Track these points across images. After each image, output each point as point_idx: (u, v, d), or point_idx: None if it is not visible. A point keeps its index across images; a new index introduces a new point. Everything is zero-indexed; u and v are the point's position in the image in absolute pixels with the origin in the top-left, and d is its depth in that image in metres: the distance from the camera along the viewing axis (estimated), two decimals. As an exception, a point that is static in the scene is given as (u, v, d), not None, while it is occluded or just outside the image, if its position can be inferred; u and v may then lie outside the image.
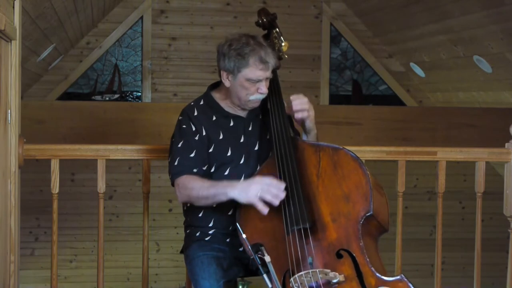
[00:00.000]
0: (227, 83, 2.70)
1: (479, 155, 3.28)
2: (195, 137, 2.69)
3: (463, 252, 6.09)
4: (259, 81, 2.65)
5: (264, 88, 2.66)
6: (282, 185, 2.46)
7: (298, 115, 2.73)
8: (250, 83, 2.65)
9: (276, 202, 2.45)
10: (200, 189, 2.58)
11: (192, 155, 2.67)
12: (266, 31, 2.95)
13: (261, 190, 2.45)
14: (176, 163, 2.67)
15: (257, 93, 2.67)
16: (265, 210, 2.44)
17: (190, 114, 2.74)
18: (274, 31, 2.93)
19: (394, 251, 3.25)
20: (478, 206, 3.28)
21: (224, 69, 2.69)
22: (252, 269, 2.77)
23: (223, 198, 2.53)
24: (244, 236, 2.37)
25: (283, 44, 2.88)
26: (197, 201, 2.62)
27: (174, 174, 2.67)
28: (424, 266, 5.86)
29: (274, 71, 2.84)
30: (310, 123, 2.77)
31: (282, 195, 2.45)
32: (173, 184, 2.69)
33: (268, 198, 2.44)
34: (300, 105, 2.72)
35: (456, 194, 6.30)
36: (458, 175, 6.24)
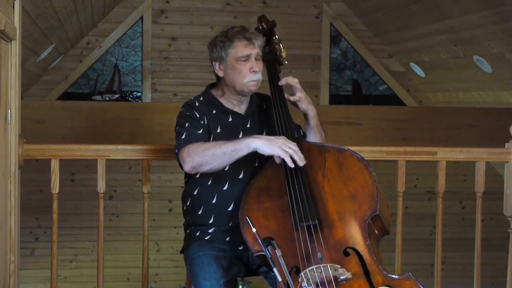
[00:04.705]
0: (220, 73, 2.73)
1: (479, 155, 3.28)
2: (200, 121, 2.71)
3: (463, 252, 6.09)
4: (247, 59, 2.67)
5: (256, 67, 2.68)
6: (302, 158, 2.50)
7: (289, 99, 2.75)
8: (240, 63, 2.67)
9: (296, 157, 2.46)
10: (215, 146, 2.54)
11: (199, 132, 2.67)
12: (265, 38, 2.97)
13: (284, 144, 2.48)
14: (183, 137, 2.64)
15: (251, 74, 2.68)
16: (289, 159, 2.46)
17: (192, 105, 2.76)
18: (274, 38, 2.99)
19: (394, 251, 3.25)
20: (478, 206, 3.28)
21: (214, 59, 2.73)
22: (252, 268, 2.77)
23: (244, 151, 2.51)
24: (254, 230, 2.35)
25: (282, 50, 2.93)
26: (212, 159, 2.54)
27: (181, 144, 2.62)
28: (424, 266, 5.85)
29: (276, 73, 2.85)
30: (302, 104, 2.76)
31: (302, 160, 2.48)
32: (178, 157, 2.63)
33: (291, 151, 2.46)
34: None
35: (456, 194, 6.30)
36: (458, 175, 6.25)
